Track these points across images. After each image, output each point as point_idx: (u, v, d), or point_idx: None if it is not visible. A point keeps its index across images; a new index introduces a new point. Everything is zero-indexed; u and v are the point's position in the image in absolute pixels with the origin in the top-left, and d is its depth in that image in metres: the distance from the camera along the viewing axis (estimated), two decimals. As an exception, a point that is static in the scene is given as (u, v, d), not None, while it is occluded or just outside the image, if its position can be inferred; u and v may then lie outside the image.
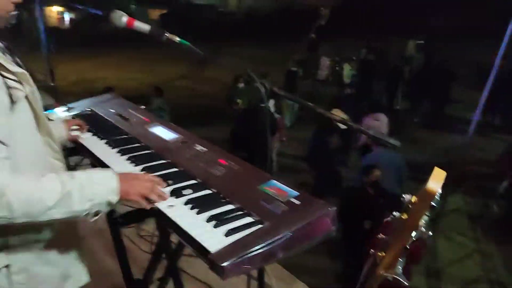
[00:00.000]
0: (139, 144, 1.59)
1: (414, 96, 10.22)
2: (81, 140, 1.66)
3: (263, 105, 1.41)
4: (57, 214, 1.05)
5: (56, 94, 3.98)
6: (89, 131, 1.74)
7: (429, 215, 0.93)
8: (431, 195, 0.86)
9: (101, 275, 2.24)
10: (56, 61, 4.40)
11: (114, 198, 1.12)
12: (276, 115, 5.92)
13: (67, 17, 26.03)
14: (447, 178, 0.90)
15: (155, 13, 28.70)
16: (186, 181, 1.31)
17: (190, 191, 1.25)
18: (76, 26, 23.18)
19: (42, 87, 6.79)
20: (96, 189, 1.09)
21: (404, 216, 0.96)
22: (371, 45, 11.22)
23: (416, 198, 0.89)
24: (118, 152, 1.53)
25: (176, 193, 1.24)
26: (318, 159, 6.03)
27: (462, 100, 10.30)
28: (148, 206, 1.18)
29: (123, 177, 1.17)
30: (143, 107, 2.02)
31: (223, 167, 1.36)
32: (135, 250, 2.65)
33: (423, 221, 0.95)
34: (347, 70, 10.98)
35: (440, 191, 0.87)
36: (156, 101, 7.40)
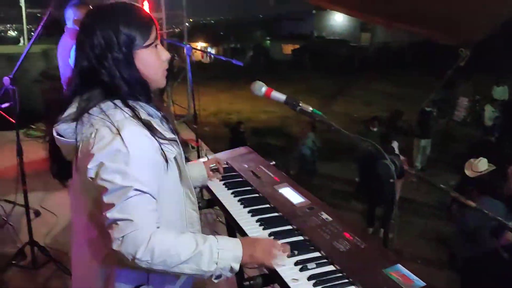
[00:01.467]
0: (268, 206, 1.70)
1: None
2: (218, 195, 1.83)
3: (392, 180, 1.40)
4: (187, 269, 1.18)
5: (196, 129, 4.37)
6: (224, 185, 1.91)
7: None
8: None
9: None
10: (199, 92, 4.88)
11: (236, 266, 1.23)
12: (401, 158, 5.68)
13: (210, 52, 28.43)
14: None
15: (288, 48, 29.84)
16: (310, 253, 1.37)
17: (314, 265, 1.30)
18: (217, 60, 25.17)
19: (185, 121, 7.50)
20: (223, 254, 1.21)
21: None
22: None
23: None
24: (249, 212, 1.65)
25: (301, 266, 1.29)
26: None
27: None
28: (270, 262, 1.28)
29: (247, 243, 1.27)
30: (273, 163, 2.14)
31: (348, 242, 1.38)
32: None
33: None
34: (489, 112, 10.08)
35: None
36: (310, 136, 7.59)
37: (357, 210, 7.05)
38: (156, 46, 1.30)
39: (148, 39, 1.27)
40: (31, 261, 3.02)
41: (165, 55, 1.34)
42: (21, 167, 2.91)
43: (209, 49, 30.07)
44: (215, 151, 6.42)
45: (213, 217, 3.70)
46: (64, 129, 1.24)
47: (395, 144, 6.35)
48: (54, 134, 1.27)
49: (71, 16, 3.51)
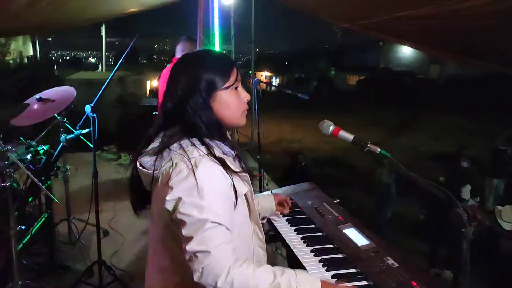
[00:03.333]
0: (331, 246, 1.68)
1: None
2: (281, 231, 1.84)
3: (463, 229, 1.34)
4: None
5: (259, 160, 4.41)
6: (287, 221, 1.92)
7: None
8: None
9: None
10: (261, 121, 4.95)
11: None
12: (472, 202, 5.38)
13: (274, 82, 28.86)
14: None
15: (353, 79, 29.65)
16: (375, 299, 1.33)
17: (378, 313, 1.26)
18: (281, 90, 25.47)
19: (248, 150, 7.61)
20: (301, 287, 1.22)
21: None
22: None
23: None
24: (312, 251, 1.64)
25: (365, 312, 1.26)
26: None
27: None
28: None
29: (325, 285, 1.27)
30: (337, 201, 2.12)
31: (415, 292, 1.33)
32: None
33: None
34: None
35: None
36: (383, 173, 7.10)
37: (419, 250, 6.73)
38: (236, 88, 1.39)
39: (228, 81, 1.36)
40: (98, 279, 3.16)
41: (246, 96, 1.42)
42: (96, 189, 3.08)
43: (273, 79, 30.59)
44: (275, 180, 6.45)
45: (272, 249, 3.69)
46: (146, 161, 1.34)
47: (467, 188, 6.01)
48: (138, 165, 1.37)
49: (180, 49, 3.91)
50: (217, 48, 5.39)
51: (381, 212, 7.10)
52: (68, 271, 3.39)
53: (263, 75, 32.14)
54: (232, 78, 1.37)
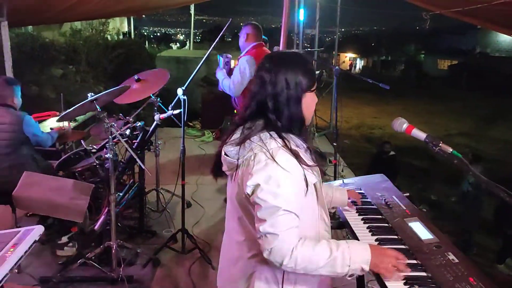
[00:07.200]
0: (396, 237, 1.78)
1: None
2: (348, 219, 1.97)
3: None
4: (324, 272, 1.42)
5: (336, 147, 4.46)
6: (356, 210, 2.04)
7: None
8: None
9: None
10: (342, 104, 4.96)
11: (366, 268, 1.44)
12: None
13: (359, 64, 28.10)
14: None
15: (444, 64, 27.96)
16: (431, 290, 1.42)
17: (433, 302, 1.36)
18: (365, 72, 24.79)
19: (325, 135, 7.66)
20: (354, 258, 1.42)
21: None
22: None
23: None
24: (376, 240, 1.76)
25: (419, 300, 1.37)
26: None
27: None
28: (391, 278, 1.47)
29: (375, 251, 1.47)
30: (406, 194, 2.19)
31: (471, 287, 1.40)
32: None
33: None
34: None
35: None
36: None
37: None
38: (314, 92, 1.55)
39: (313, 85, 1.53)
40: (181, 245, 3.50)
41: (316, 100, 1.58)
42: (183, 165, 3.38)
43: (358, 60, 29.78)
44: (351, 165, 6.47)
45: (343, 234, 3.80)
46: (229, 150, 1.53)
47: None
48: (222, 153, 1.57)
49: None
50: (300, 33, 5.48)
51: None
52: (155, 235, 3.78)
53: (347, 56, 31.33)
54: (314, 83, 1.53)
